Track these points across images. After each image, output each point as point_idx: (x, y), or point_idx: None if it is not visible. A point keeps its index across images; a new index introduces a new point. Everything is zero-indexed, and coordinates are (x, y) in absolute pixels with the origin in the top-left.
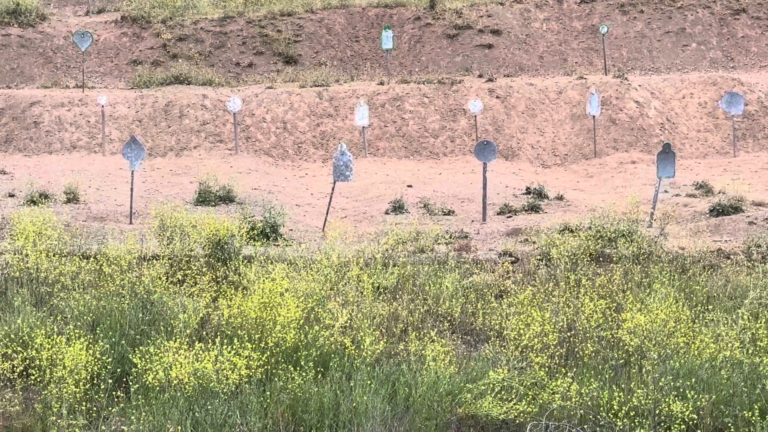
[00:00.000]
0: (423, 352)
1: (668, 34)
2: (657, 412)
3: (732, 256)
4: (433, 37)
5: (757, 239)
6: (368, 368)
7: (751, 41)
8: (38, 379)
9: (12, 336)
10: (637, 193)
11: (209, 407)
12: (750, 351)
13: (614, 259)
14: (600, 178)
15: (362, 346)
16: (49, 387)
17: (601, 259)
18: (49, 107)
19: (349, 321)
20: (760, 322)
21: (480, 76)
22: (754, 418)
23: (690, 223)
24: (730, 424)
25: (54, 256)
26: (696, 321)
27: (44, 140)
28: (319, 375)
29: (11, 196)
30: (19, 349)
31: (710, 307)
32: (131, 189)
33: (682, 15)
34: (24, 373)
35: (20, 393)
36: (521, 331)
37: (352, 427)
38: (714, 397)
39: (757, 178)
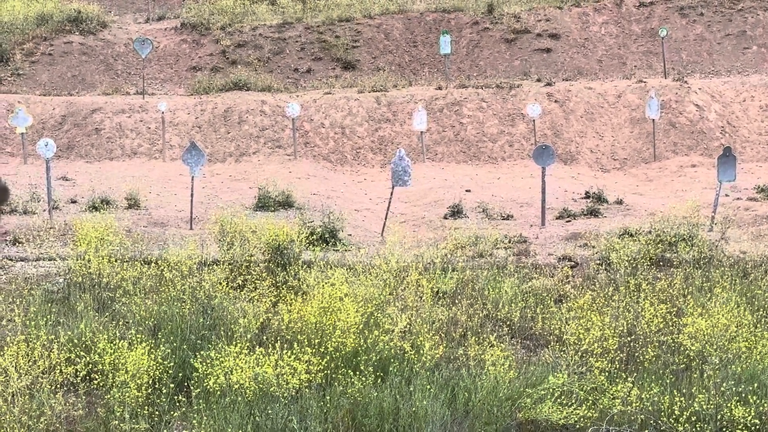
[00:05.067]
0: (482, 356)
1: (728, 37)
2: (718, 417)
3: None
4: (491, 41)
5: None
6: (427, 373)
7: None
8: (101, 384)
9: (75, 341)
10: (698, 197)
11: (269, 411)
12: None
13: (675, 263)
14: (660, 182)
15: (421, 351)
16: (111, 391)
17: (661, 263)
18: (110, 114)
19: (408, 326)
20: None
21: (538, 80)
22: None
23: (751, 227)
24: None
25: (116, 261)
26: (758, 326)
27: (105, 147)
28: (379, 380)
29: (73, 202)
30: (82, 353)
31: None
32: (191, 195)
33: (743, 17)
34: (87, 377)
35: (83, 397)
36: (581, 336)
37: None
38: None
39: None
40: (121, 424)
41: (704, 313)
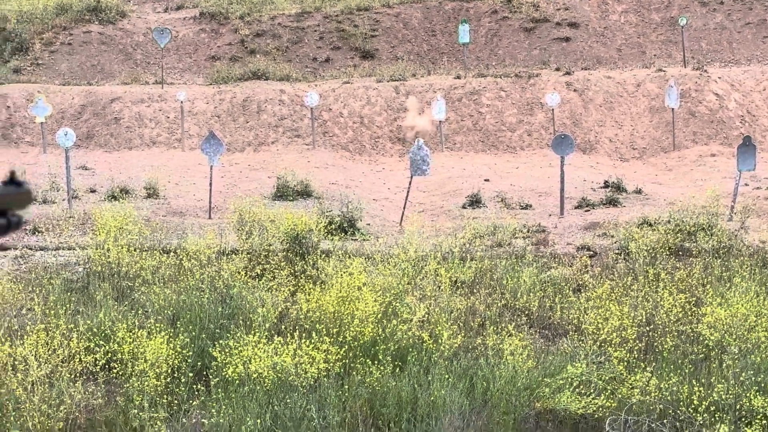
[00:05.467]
0: (501, 346)
1: (749, 26)
2: (738, 407)
3: None
4: (509, 30)
5: None
6: (446, 362)
7: None
8: (120, 373)
9: (94, 330)
10: (717, 187)
11: (288, 401)
12: None
13: (694, 252)
14: (679, 171)
15: (440, 340)
16: (130, 380)
17: (680, 253)
18: (129, 103)
19: (426, 315)
20: None
21: (557, 69)
22: None
23: None
24: None
25: (135, 250)
26: None
27: (124, 136)
28: (397, 369)
29: (93, 191)
30: (101, 342)
31: None
32: (210, 184)
33: (763, 6)
34: (106, 366)
35: (102, 386)
36: (599, 326)
37: (430, 421)
38: None
39: None
40: (140, 413)
41: (723, 303)
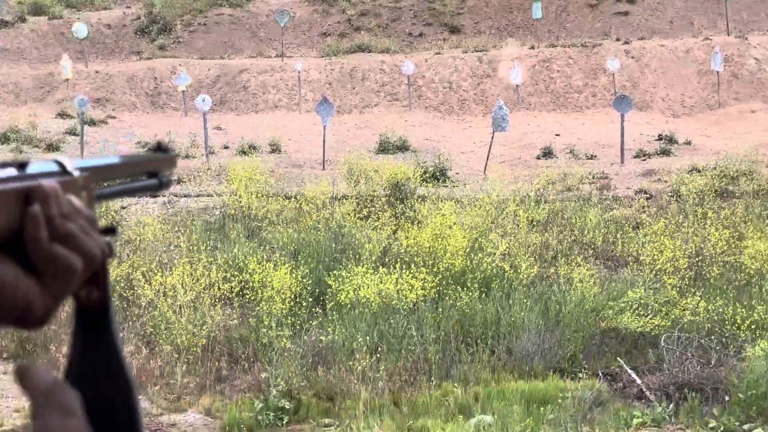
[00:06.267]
0: (570, 275)
1: None
2: None
3: None
4: (576, 7)
5: None
6: (524, 289)
7: None
8: (252, 298)
9: (230, 262)
10: (757, 138)
11: (391, 321)
12: None
13: (737, 194)
14: (723, 126)
15: (519, 271)
16: (260, 304)
17: (725, 194)
18: (255, 74)
19: (507, 249)
20: None
21: (617, 39)
22: None
23: None
24: None
25: (262, 197)
26: None
27: (251, 101)
28: (483, 294)
29: (226, 148)
30: (236, 273)
31: None
32: (323, 141)
33: None
34: (240, 293)
35: (237, 309)
36: (655, 257)
37: (511, 338)
38: None
39: None
40: (269, 331)
41: (762, 237)
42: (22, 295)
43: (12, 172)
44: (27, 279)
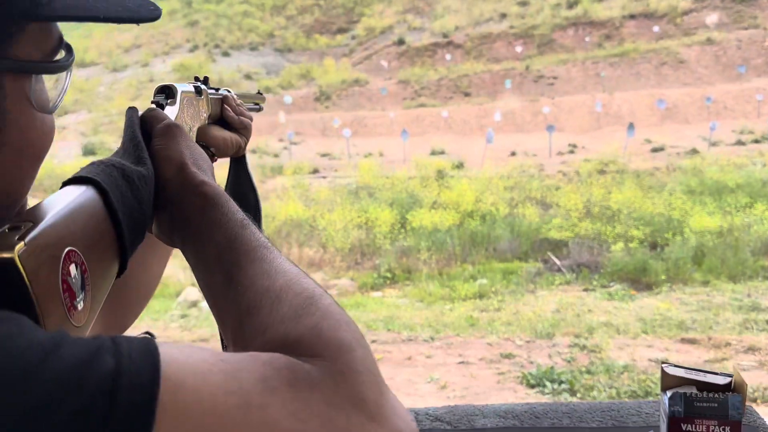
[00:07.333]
0: (525, 212)
1: None
2: None
3: None
4: None
5: None
6: (503, 219)
7: None
8: (371, 225)
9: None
10: None
11: (438, 235)
12: None
13: None
14: None
15: (499, 210)
16: (374, 230)
17: None
18: None
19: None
20: None
21: None
22: None
23: None
24: None
25: None
26: None
27: None
28: (483, 223)
29: None
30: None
31: None
32: None
33: None
34: (364, 224)
35: (365, 232)
36: (568, 205)
37: (497, 243)
38: None
39: None
40: (376, 240)
41: None
42: (234, 139)
43: (199, 85)
44: (232, 133)
